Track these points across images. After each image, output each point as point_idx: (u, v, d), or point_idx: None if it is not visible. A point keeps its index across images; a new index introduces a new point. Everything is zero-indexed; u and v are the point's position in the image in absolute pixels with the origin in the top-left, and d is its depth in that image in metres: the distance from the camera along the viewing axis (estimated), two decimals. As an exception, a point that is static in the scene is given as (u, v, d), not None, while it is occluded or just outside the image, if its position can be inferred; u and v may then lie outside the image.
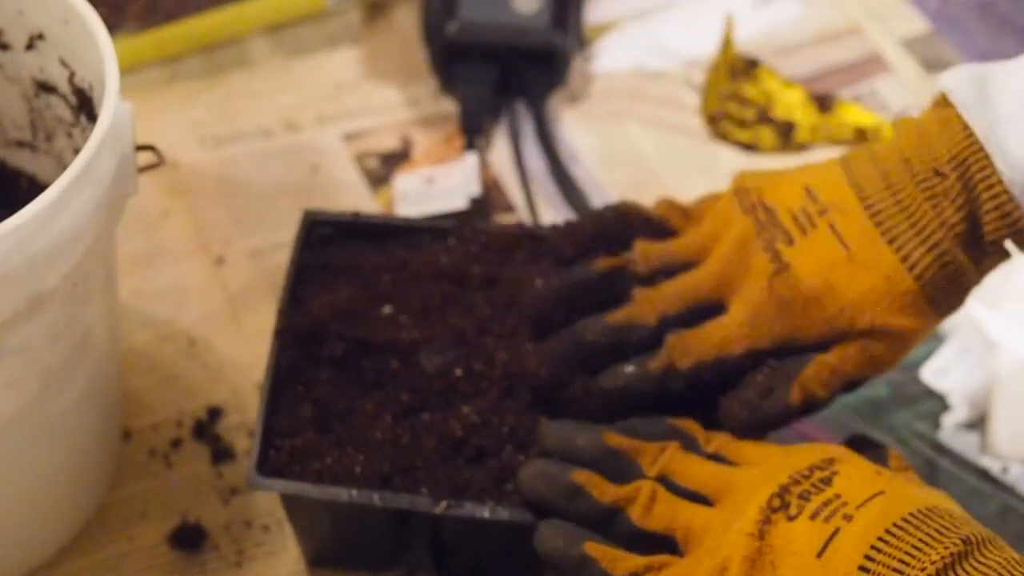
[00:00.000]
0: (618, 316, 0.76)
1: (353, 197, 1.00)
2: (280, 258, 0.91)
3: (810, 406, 0.74)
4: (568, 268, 0.79)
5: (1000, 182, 0.71)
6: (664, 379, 0.75)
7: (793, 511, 0.68)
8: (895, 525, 0.65)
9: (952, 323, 0.91)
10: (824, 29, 1.10)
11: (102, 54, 0.74)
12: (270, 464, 0.77)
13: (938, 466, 0.86)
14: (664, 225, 0.80)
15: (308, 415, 0.78)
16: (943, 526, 0.65)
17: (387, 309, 0.82)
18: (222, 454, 0.87)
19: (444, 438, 0.77)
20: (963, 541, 0.64)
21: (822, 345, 0.74)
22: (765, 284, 0.75)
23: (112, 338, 0.82)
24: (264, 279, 0.95)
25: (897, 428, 0.87)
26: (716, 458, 0.73)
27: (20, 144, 0.85)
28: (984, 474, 0.86)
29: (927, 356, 0.90)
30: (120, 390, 0.86)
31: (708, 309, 0.76)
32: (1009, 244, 0.74)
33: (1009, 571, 0.63)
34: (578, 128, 1.04)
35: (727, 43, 1.04)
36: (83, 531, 0.84)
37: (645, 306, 0.76)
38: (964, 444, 0.87)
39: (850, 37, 1.10)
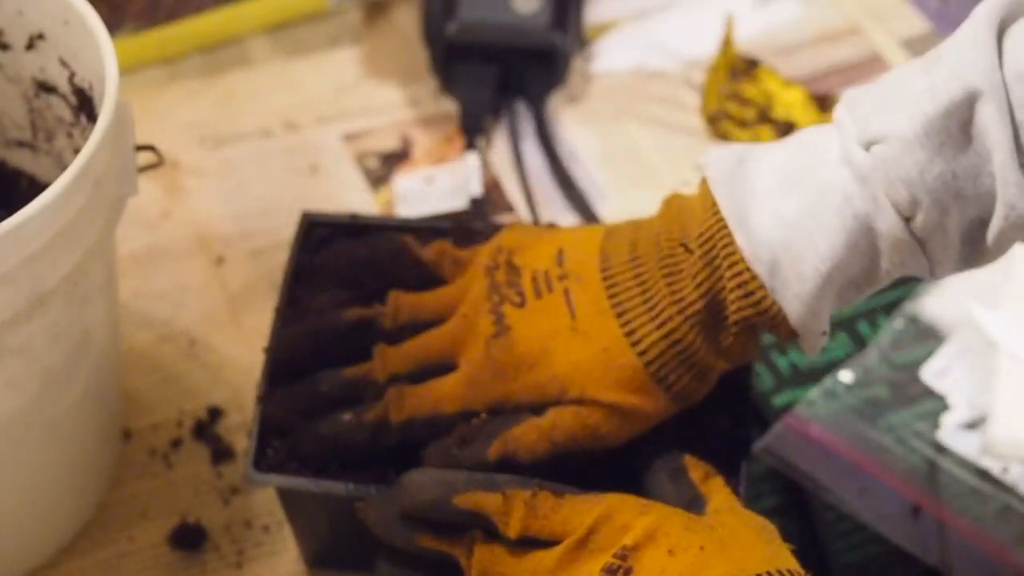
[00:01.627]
0: (352, 371, 0.77)
1: (353, 197, 1.00)
2: (280, 258, 0.90)
3: (512, 466, 0.72)
4: (320, 314, 0.80)
5: (742, 260, 0.70)
6: (377, 431, 0.75)
7: None
8: None
9: (952, 323, 0.91)
10: (824, 29, 1.10)
11: (102, 54, 0.74)
12: (267, 462, 0.77)
13: (938, 466, 0.86)
14: (432, 270, 0.80)
15: (305, 415, 0.79)
16: None
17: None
18: (222, 454, 0.87)
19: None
20: None
21: (538, 410, 0.74)
22: (483, 346, 0.75)
23: (112, 338, 0.82)
24: (264, 279, 0.95)
25: (897, 428, 0.87)
26: (525, 540, 0.69)
27: (20, 144, 0.85)
28: (984, 474, 0.86)
29: (927, 356, 0.90)
30: (120, 390, 0.86)
31: (440, 368, 0.76)
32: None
33: None
34: (578, 128, 1.04)
35: (727, 43, 1.04)
36: (83, 531, 0.84)
37: (379, 363, 0.77)
38: (964, 444, 0.87)
39: (850, 37, 1.10)
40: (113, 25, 0.89)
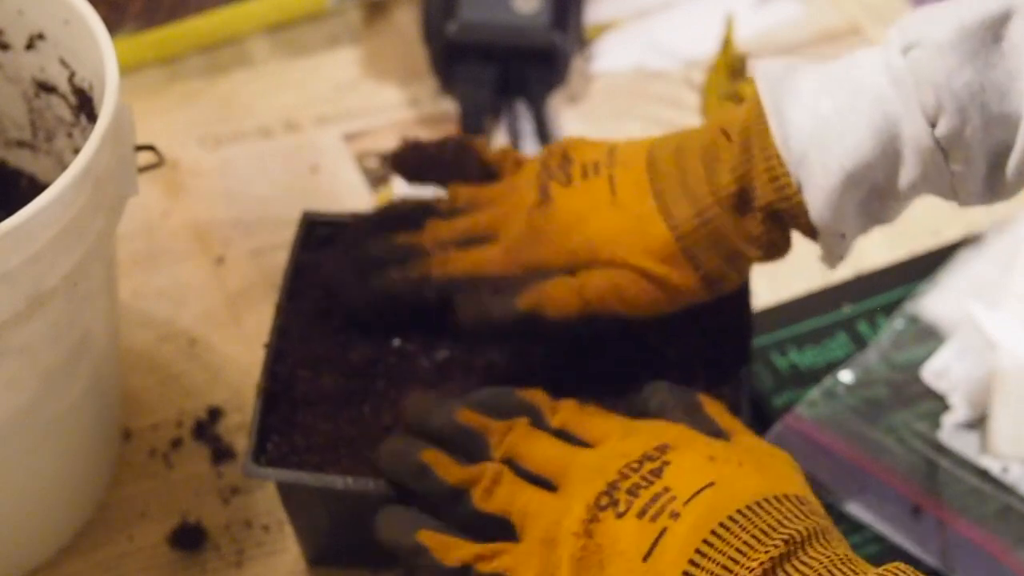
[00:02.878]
0: (403, 237, 0.81)
1: (353, 197, 1.00)
2: (280, 258, 0.90)
3: (539, 321, 0.76)
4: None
5: (774, 146, 0.72)
6: (418, 285, 0.79)
7: (622, 507, 0.67)
8: (721, 525, 0.65)
9: (952, 323, 0.91)
10: (824, 29, 1.10)
11: (102, 54, 0.74)
12: (267, 458, 0.77)
13: (938, 466, 0.86)
14: (495, 170, 0.83)
15: (305, 411, 0.79)
16: (769, 525, 0.65)
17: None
18: (222, 454, 0.87)
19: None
20: (785, 542, 0.64)
21: (571, 275, 0.77)
22: (525, 215, 0.78)
23: (112, 338, 0.82)
24: (264, 279, 0.95)
25: (897, 428, 0.87)
26: (562, 434, 0.73)
27: (20, 144, 0.85)
28: (984, 474, 0.86)
29: (927, 356, 0.90)
30: (120, 390, 0.86)
31: (485, 240, 0.79)
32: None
33: (830, 571, 0.63)
34: (578, 128, 1.04)
35: (727, 43, 1.04)
36: (83, 531, 0.84)
37: (429, 232, 0.80)
38: (964, 444, 0.87)
39: (850, 37, 1.10)
40: (113, 25, 0.89)
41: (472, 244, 0.79)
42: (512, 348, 0.81)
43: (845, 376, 0.89)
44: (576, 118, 1.05)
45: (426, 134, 1.03)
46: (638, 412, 0.74)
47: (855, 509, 0.84)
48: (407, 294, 0.79)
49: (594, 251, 0.76)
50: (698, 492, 0.66)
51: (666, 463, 0.68)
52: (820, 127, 0.72)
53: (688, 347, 0.80)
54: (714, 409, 0.73)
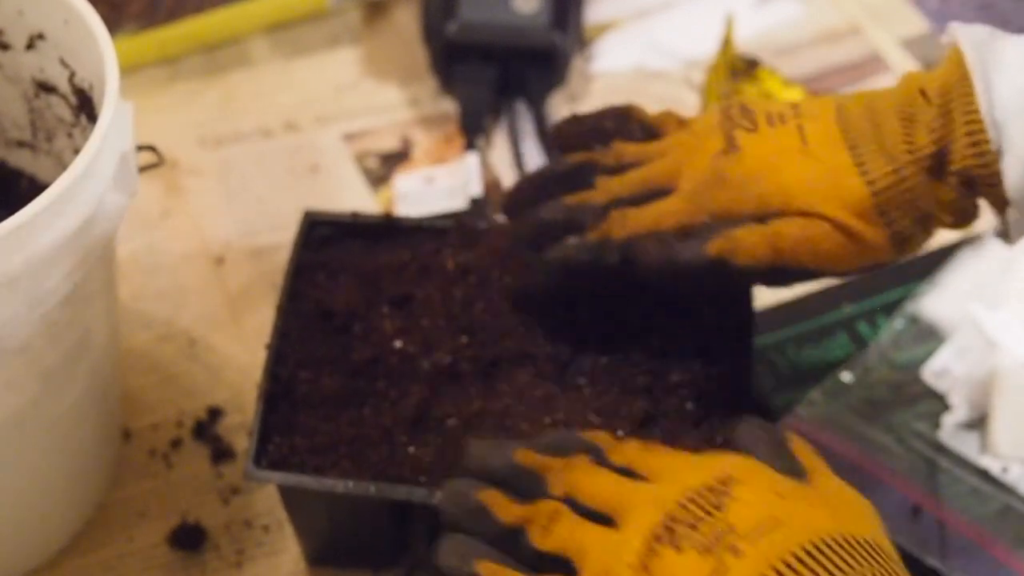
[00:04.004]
0: (574, 198, 0.78)
1: (353, 197, 1.00)
2: (280, 258, 0.90)
3: (727, 269, 0.74)
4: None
5: (977, 111, 0.72)
6: (600, 250, 0.76)
7: (680, 541, 0.65)
8: (784, 563, 0.62)
9: (952, 323, 0.91)
10: (824, 29, 1.10)
11: (102, 54, 0.74)
12: (268, 459, 0.77)
13: (938, 466, 0.86)
14: (657, 131, 0.81)
15: (306, 412, 0.79)
16: (836, 566, 0.62)
17: (385, 308, 0.82)
18: (222, 454, 0.87)
19: (441, 432, 0.77)
20: None
21: (759, 221, 0.75)
22: (709, 162, 0.76)
23: (112, 338, 0.82)
24: (264, 279, 0.95)
25: (897, 428, 0.87)
26: (624, 471, 0.70)
27: (20, 144, 0.85)
28: (984, 474, 0.86)
29: (927, 356, 0.90)
30: (120, 390, 0.86)
31: (661, 193, 0.77)
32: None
33: None
34: (578, 128, 1.04)
35: (727, 43, 1.04)
36: (83, 531, 0.84)
37: (600, 190, 0.78)
38: (964, 444, 0.87)
39: (850, 37, 1.10)
40: (113, 25, 0.89)
41: (649, 199, 0.76)
42: (515, 348, 0.81)
43: (845, 376, 0.89)
44: (576, 118, 1.05)
45: (426, 134, 1.04)
46: (722, 444, 0.72)
47: (855, 509, 0.84)
48: (588, 260, 0.76)
49: (787, 199, 0.74)
50: (762, 530, 0.64)
51: (729, 496, 0.66)
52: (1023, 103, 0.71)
53: (690, 347, 0.80)
54: (800, 448, 0.70)
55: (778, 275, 0.75)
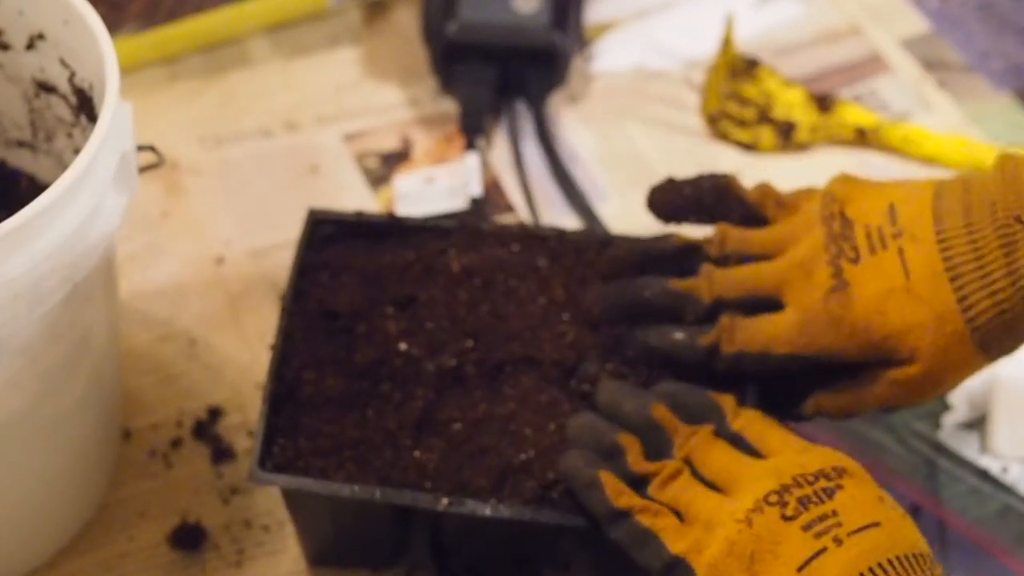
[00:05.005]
0: (678, 283, 0.79)
1: (353, 197, 1.00)
2: (280, 258, 0.91)
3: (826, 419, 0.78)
4: (644, 239, 0.83)
5: None
6: (708, 356, 0.78)
7: (790, 512, 0.68)
8: (879, 565, 0.66)
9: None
10: (824, 29, 1.10)
11: (102, 54, 0.74)
12: (273, 461, 0.77)
13: (938, 466, 0.86)
14: (756, 210, 0.81)
15: (310, 414, 0.79)
16: None
17: (390, 309, 0.82)
18: (222, 454, 0.87)
19: (446, 435, 0.77)
20: None
21: (864, 365, 0.76)
22: (821, 297, 0.76)
23: (112, 338, 0.82)
24: (264, 279, 0.95)
25: (897, 428, 0.87)
26: (739, 440, 0.74)
27: (20, 144, 0.85)
28: (984, 474, 0.86)
29: (927, 356, 0.90)
30: (120, 390, 0.86)
31: (764, 304, 0.78)
32: None
33: None
34: (578, 128, 1.04)
35: (727, 43, 1.04)
36: (83, 531, 0.84)
37: (705, 282, 0.79)
38: (964, 444, 0.87)
39: (850, 37, 1.10)
40: (113, 25, 0.89)
41: (753, 305, 0.78)
42: (520, 353, 0.81)
43: (845, 376, 0.89)
44: (576, 118, 1.05)
45: (426, 134, 1.04)
46: None
47: (855, 509, 0.83)
48: (694, 361, 0.78)
49: (893, 349, 0.75)
50: (864, 527, 0.67)
51: (840, 487, 0.69)
52: None
53: None
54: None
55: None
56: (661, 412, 0.75)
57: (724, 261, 0.80)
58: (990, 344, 0.75)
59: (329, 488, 0.76)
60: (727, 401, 0.76)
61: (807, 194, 0.81)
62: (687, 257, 0.81)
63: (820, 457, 0.71)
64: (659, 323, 0.79)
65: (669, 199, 0.83)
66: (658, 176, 1.01)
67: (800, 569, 0.66)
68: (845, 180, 0.80)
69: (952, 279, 0.74)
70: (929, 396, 0.77)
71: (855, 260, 0.76)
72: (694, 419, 0.75)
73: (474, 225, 0.85)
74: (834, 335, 0.76)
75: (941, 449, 0.87)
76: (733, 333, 0.77)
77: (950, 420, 0.88)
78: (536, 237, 0.85)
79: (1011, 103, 1.05)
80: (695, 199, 0.82)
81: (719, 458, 0.73)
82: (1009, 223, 0.73)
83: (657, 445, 0.75)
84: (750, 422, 0.74)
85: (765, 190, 0.82)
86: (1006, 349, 0.75)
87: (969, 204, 0.75)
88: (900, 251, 0.75)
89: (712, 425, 0.75)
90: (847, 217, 0.77)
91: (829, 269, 0.76)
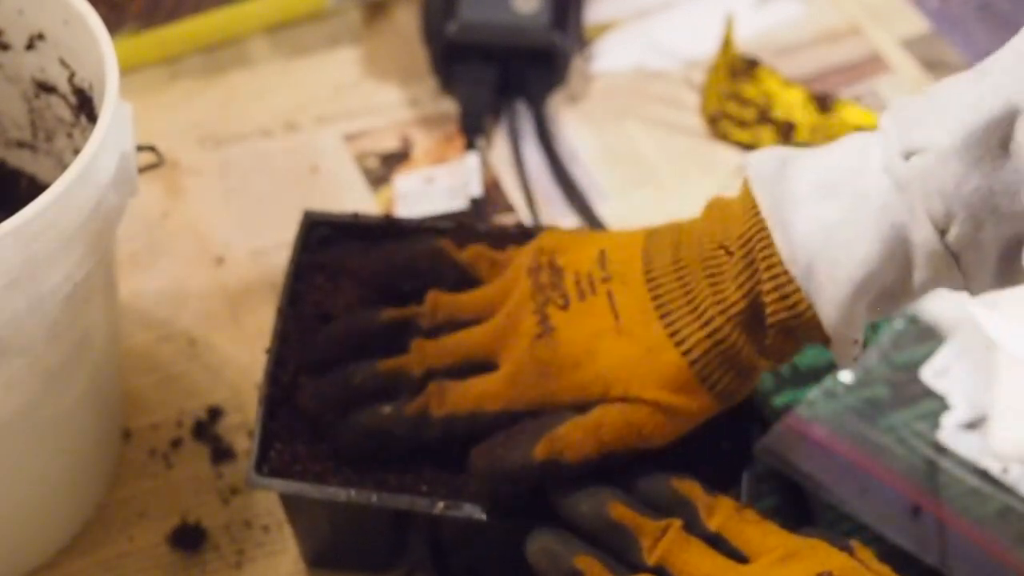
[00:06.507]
0: (388, 364, 0.77)
1: (353, 197, 1.00)
2: (280, 258, 0.90)
3: (558, 468, 0.72)
4: (354, 313, 0.80)
5: (780, 263, 0.70)
6: (417, 425, 0.76)
7: None
8: None
9: (952, 323, 0.91)
10: (824, 29, 1.10)
11: (102, 54, 0.74)
12: (270, 464, 0.77)
13: (938, 466, 0.86)
14: (470, 272, 0.80)
15: (307, 418, 0.79)
16: None
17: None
18: (222, 454, 0.87)
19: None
20: None
21: (581, 410, 0.74)
22: (527, 346, 0.75)
23: (112, 338, 0.82)
24: (264, 279, 0.95)
25: (897, 428, 0.87)
26: (718, 540, 0.70)
27: (20, 144, 0.85)
28: (984, 474, 0.86)
29: (927, 356, 0.90)
30: (120, 390, 0.86)
31: (480, 367, 0.76)
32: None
33: None
34: (578, 128, 1.04)
35: (727, 43, 1.04)
36: (83, 531, 0.84)
37: (416, 356, 0.77)
38: (964, 444, 0.87)
39: (850, 37, 1.10)
40: (113, 25, 0.89)
41: (468, 371, 0.76)
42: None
43: (845, 376, 0.89)
44: (576, 118, 1.05)
45: (426, 134, 1.03)
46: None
47: (855, 509, 0.84)
48: (403, 433, 0.76)
49: (606, 387, 0.73)
50: None
51: None
52: (825, 239, 0.70)
53: None
54: (865, 555, 0.71)
55: (610, 461, 0.73)
56: (620, 512, 0.71)
57: (436, 332, 0.78)
58: (714, 379, 0.73)
59: (326, 493, 0.75)
60: (694, 490, 0.72)
61: (518, 251, 0.80)
62: (402, 331, 0.78)
63: (807, 563, 0.68)
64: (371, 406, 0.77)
65: (381, 267, 0.81)
66: (658, 176, 1.02)
67: None
68: (555, 232, 0.79)
69: (662, 316, 0.73)
70: (663, 436, 0.73)
71: (564, 307, 0.75)
72: (660, 511, 0.71)
73: (470, 226, 0.85)
74: (543, 381, 0.74)
75: (941, 449, 0.87)
76: (442, 396, 0.75)
77: (950, 420, 0.88)
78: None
79: (1011, 103, 1.05)
80: (408, 268, 0.81)
81: (698, 561, 0.69)
82: (715, 254, 0.72)
83: (621, 549, 0.71)
84: (728, 518, 0.71)
85: (478, 251, 0.80)
86: (734, 385, 0.73)
87: (679, 242, 0.74)
88: (609, 294, 0.74)
89: (681, 520, 0.71)
90: (558, 266, 0.76)
91: (535, 318, 0.75)
